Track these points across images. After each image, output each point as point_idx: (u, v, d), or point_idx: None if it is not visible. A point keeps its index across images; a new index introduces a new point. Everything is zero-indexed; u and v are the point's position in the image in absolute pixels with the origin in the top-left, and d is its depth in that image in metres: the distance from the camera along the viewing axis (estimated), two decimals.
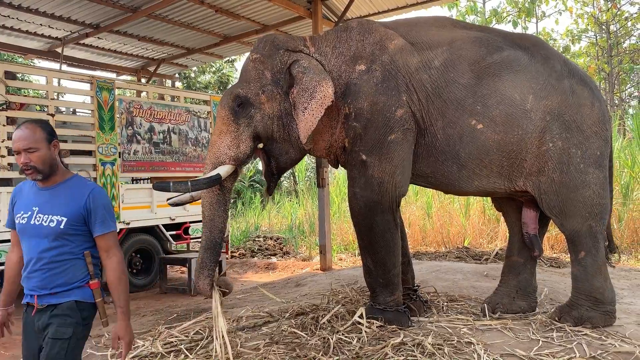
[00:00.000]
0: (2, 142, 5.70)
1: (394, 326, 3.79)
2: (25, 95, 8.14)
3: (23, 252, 2.43)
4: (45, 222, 2.34)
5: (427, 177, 3.98)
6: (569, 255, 4.15)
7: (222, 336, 3.34)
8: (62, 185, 2.42)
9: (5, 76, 5.86)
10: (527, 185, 3.89)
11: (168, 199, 4.13)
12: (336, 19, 8.33)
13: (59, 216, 2.34)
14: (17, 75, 7.23)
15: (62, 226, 2.33)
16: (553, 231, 7.68)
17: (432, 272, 6.17)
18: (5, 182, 5.91)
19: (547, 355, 3.28)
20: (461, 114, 3.77)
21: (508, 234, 4.58)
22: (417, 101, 3.81)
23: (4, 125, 5.73)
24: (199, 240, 7.76)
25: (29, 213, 2.38)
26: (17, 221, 2.42)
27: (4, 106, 5.78)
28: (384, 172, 3.76)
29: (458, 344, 3.49)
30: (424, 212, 9.55)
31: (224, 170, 3.74)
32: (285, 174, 20.32)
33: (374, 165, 3.77)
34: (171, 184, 3.79)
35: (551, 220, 4.29)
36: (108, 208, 2.44)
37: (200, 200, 3.94)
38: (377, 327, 3.76)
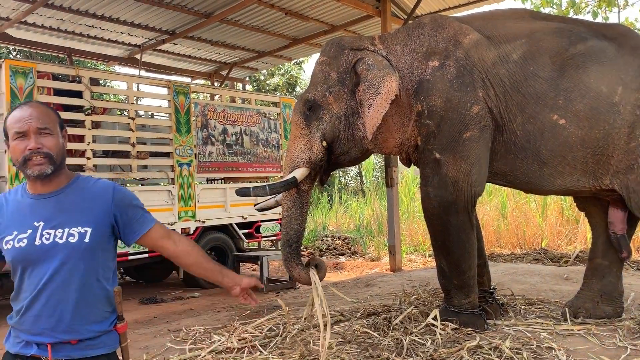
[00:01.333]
0: (88, 144, 6.04)
1: (469, 329, 3.69)
2: (108, 100, 8.58)
3: (21, 289, 1.73)
4: (62, 238, 1.70)
5: (506, 175, 3.85)
6: None
7: (325, 319, 3.34)
8: (70, 187, 1.79)
9: (90, 83, 6.20)
10: (615, 183, 3.67)
11: (255, 205, 4.36)
12: (405, 17, 8.23)
13: (80, 227, 1.71)
14: (101, 81, 7.63)
15: (87, 239, 1.70)
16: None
17: (508, 274, 5.97)
18: None
19: None
20: (542, 109, 3.61)
21: (591, 236, 4.36)
22: (494, 97, 3.68)
23: (89, 129, 6.07)
24: (270, 238, 7.97)
25: (29, 232, 1.70)
26: (6, 247, 1.72)
27: (89, 111, 6.12)
28: (459, 171, 3.66)
29: (537, 348, 3.35)
30: (498, 212, 9.27)
31: (299, 173, 3.86)
32: (351, 174, 20.22)
33: (448, 164, 3.69)
34: (251, 189, 4.04)
35: None
36: (138, 200, 1.89)
37: None
38: (451, 329, 3.67)
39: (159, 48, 9.73)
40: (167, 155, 6.82)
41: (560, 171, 3.68)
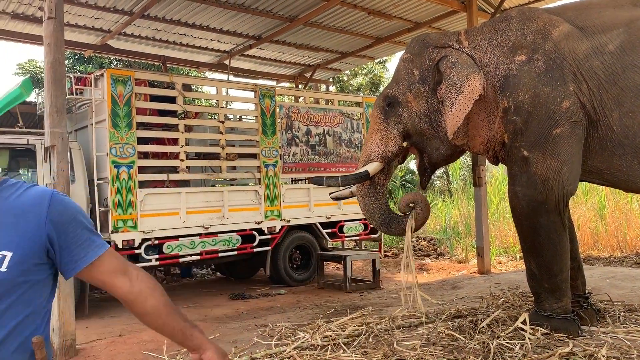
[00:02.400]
0: (181, 147, 6.37)
1: (561, 334, 3.51)
2: (199, 105, 9.00)
3: None
4: None
5: (602, 173, 3.62)
6: None
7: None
8: None
9: (183, 88, 6.55)
10: None
11: (330, 193, 4.53)
12: (493, 10, 7.97)
13: None
14: (192, 87, 8.02)
15: (3, 267, 1.19)
16: None
17: (605, 278, 5.61)
18: (184, 183, 6.61)
19: None
20: None
21: None
22: (587, 91, 3.48)
23: (182, 133, 6.40)
24: (353, 238, 8.00)
25: None
26: None
27: (182, 115, 6.46)
28: (549, 169, 3.50)
29: (637, 358, 3.12)
30: (596, 213, 8.72)
31: (372, 167, 3.99)
32: (437, 173, 19.81)
33: (537, 162, 3.53)
34: (324, 178, 4.34)
35: None
36: (86, 216, 1.36)
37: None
38: (542, 334, 3.50)
39: (246, 53, 10.06)
40: (254, 156, 7.06)
41: None
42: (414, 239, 11.14)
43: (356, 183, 4.10)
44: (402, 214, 4.00)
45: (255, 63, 10.90)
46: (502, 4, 7.66)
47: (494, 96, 3.71)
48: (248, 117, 7.90)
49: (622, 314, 4.10)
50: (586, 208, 8.99)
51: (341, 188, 4.32)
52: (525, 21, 3.76)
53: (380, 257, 8.23)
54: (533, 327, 3.58)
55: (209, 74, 11.25)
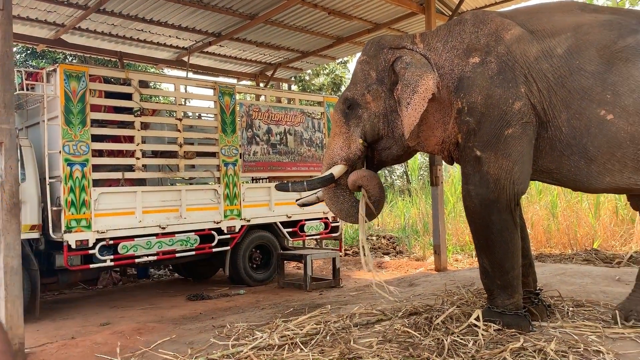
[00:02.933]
0: (137, 145, 6.25)
1: (513, 330, 3.61)
2: (157, 102, 8.84)
3: None
4: None
5: (552, 172, 3.74)
6: None
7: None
8: None
9: (140, 85, 6.42)
10: None
11: (297, 200, 4.56)
12: (450, 13, 8.11)
13: None
14: (150, 83, 7.88)
15: None
16: None
17: (556, 275, 5.79)
18: (140, 182, 6.48)
19: None
20: (588, 104, 3.49)
21: None
22: (537, 92, 3.59)
23: (138, 130, 6.28)
24: (314, 237, 8.01)
25: None
26: None
27: (139, 112, 6.34)
28: (501, 169, 3.59)
29: (584, 352, 3.24)
30: (549, 211, 9.00)
31: (336, 170, 4.05)
32: (397, 173, 20.07)
33: (489, 162, 3.62)
34: (290, 184, 4.29)
35: None
36: None
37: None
38: (494, 330, 3.60)
39: (205, 50, 9.95)
40: (213, 155, 6.98)
41: (610, 168, 3.54)
42: (374, 237, 11.25)
43: (322, 187, 4.16)
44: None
45: (215, 60, 10.78)
46: (459, 7, 7.82)
47: (449, 97, 3.79)
48: (207, 115, 7.81)
49: (570, 309, 4.25)
50: (539, 207, 9.27)
51: (308, 195, 4.43)
52: (479, 24, 3.85)
53: (340, 256, 8.28)
54: (486, 323, 3.67)
55: (168, 71, 11.08)
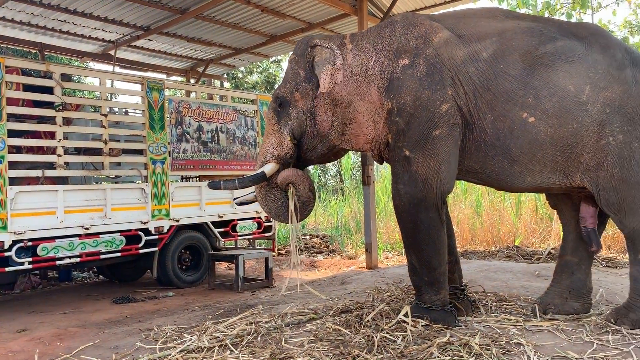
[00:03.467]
0: (59, 141, 5.93)
1: (440, 325, 3.71)
2: (81, 97, 8.45)
3: None
4: None
5: (477, 173, 3.88)
6: (626, 255, 3.95)
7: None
8: None
9: (62, 78, 6.09)
10: (585, 181, 3.72)
11: (235, 199, 4.62)
12: (382, 15, 8.25)
13: None
14: (73, 77, 7.51)
15: None
16: (610, 230, 7.37)
17: (480, 271, 6.02)
18: (62, 180, 6.16)
19: (602, 358, 3.13)
20: (512, 107, 3.65)
21: (562, 233, 4.40)
22: (463, 95, 3.71)
23: (60, 126, 5.96)
24: (247, 237, 7.92)
25: None
26: None
27: (61, 107, 6.02)
28: (428, 168, 3.69)
29: (507, 344, 3.38)
30: (473, 210, 9.35)
31: (268, 168, 4.08)
32: (331, 173, 20.22)
33: (417, 161, 3.71)
34: (222, 182, 4.29)
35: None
36: None
37: None
38: (422, 326, 3.69)
39: (133, 44, 9.60)
40: (140, 152, 6.75)
41: (531, 169, 3.72)
42: (307, 237, 11.27)
43: (253, 184, 4.18)
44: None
45: (143, 55, 10.43)
46: (390, 10, 7.97)
47: (379, 98, 3.85)
48: (135, 111, 7.54)
49: (494, 304, 4.43)
50: (465, 205, 9.61)
51: (247, 193, 4.43)
52: (408, 27, 3.94)
53: (273, 256, 8.22)
54: (414, 319, 3.75)
55: (93, 65, 10.60)
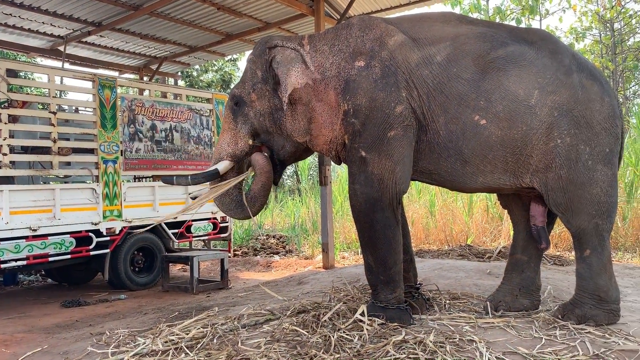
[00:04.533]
0: (4, 140, 5.70)
1: (395, 324, 3.75)
2: (28, 94, 8.14)
3: None
4: None
5: (431, 173, 3.95)
6: (573, 253, 4.11)
7: None
8: None
9: (7, 74, 5.86)
10: (534, 181, 3.84)
11: (190, 194, 4.62)
12: (339, 17, 8.30)
13: None
14: (20, 73, 7.23)
15: None
16: (557, 229, 7.64)
17: (434, 270, 6.14)
18: (8, 180, 5.92)
19: (550, 353, 3.24)
20: (464, 110, 3.73)
21: (512, 232, 4.54)
22: (417, 97, 3.77)
23: (5, 124, 5.73)
24: (202, 238, 7.81)
25: None
26: None
27: (6, 104, 5.78)
28: (384, 169, 3.74)
29: (460, 341, 3.45)
30: (427, 210, 9.53)
31: (222, 165, 4.10)
32: (288, 172, 20.22)
33: (373, 162, 3.75)
34: (174, 178, 4.39)
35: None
36: None
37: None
38: (378, 324, 3.72)
39: (84, 40, 9.33)
40: (91, 151, 6.56)
41: (482, 170, 3.81)
42: (263, 237, 11.22)
43: (206, 181, 4.20)
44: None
45: (94, 51, 10.14)
46: (347, 12, 8.02)
47: (336, 99, 3.88)
48: (85, 108, 7.32)
49: (447, 302, 4.51)
50: (419, 205, 9.78)
51: (201, 188, 4.43)
52: (364, 29, 3.97)
53: (229, 257, 8.15)
54: (370, 318, 3.78)
55: (41, 60, 10.24)
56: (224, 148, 4.14)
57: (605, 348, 3.29)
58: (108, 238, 6.51)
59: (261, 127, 4.11)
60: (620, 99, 17.76)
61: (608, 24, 17.65)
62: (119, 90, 6.82)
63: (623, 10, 17.08)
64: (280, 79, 3.94)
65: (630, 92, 19.82)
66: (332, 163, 5.00)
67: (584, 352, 3.23)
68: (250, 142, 4.12)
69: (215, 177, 4.12)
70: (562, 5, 19.25)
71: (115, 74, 10.85)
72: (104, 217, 6.45)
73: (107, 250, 6.53)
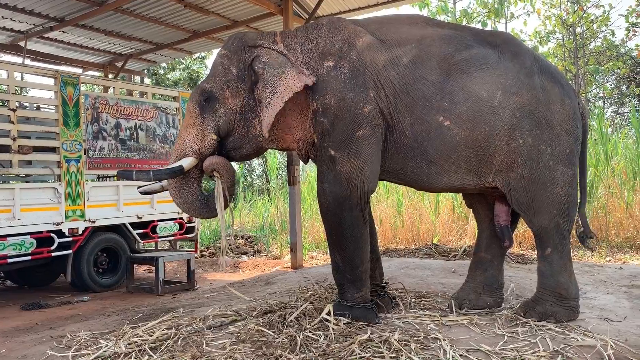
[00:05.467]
0: None
1: (361, 323, 3.78)
2: None
3: None
4: None
5: (397, 173, 3.99)
6: (535, 251, 4.20)
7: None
8: None
9: None
10: (497, 181, 3.91)
11: (139, 187, 4.38)
12: (307, 16, 8.30)
13: None
14: None
15: None
16: (520, 228, 7.80)
17: (401, 268, 6.19)
18: None
19: (512, 350, 3.30)
20: (429, 111, 3.78)
21: (477, 231, 4.61)
22: (384, 98, 3.80)
23: None
24: (167, 238, 7.70)
25: None
26: None
27: None
28: (353, 168, 3.75)
29: (424, 339, 3.49)
30: (395, 210, 9.60)
31: (186, 162, 3.96)
32: (257, 172, 20.03)
33: (342, 161, 3.76)
34: (134, 172, 4.12)
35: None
36: None
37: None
38: (344, 324, 3.73)
39: (46, 36, 9.10)
40: (53, 150, 6.39)
41: (446, 169, 3.87)
42: (230, 238, 11.12)
43: (169, 177, 4.03)
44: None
45: (57, 47, 9.90)
46: (315, 12, 8.03)
47: (306, 99, 3.88)
48: (47, 106, 7.13)
49: (413, 300, 4.57)
50: (386, 205, 9.86)
51: (151, 183, 4.22)
52: (333, 30, 3.99)
53: (196, 257, 8.05)
54: (337, 317, 3.80)
55: (0, 56, 9.93)
56: (189, 144, 3.98)
57: (564, 344, 3.37)
58: (71, 239, 6.35)
59: (227, 125, 4.00)
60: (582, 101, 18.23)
61: (570, 28, 18.11)
62: (82, 87, 6.67)
63: (585, 15, 17.57)
64: (267, 82, 3.82)
65: (591, 94, 20.39)
66: (301, 163, 4.98)
67: (545, 348, 3.30)
68: (215, 139, 4.00)
69: (179, 173, 3.96)
70: (526, 9, 19.63)
71: (79, 71, 10.62)
72: (67, 217, 6.30)
73: (70, 251, 6.38)
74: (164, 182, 4.13)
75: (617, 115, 19.07)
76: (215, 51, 12.98)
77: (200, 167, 4.04)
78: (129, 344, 3.69)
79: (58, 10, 8.11)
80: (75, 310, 5.75)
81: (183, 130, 4.07)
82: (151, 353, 3.50)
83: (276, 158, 14.04)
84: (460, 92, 3.78)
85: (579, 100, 4.08)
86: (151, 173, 4.02)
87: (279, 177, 15.74)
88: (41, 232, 6.07)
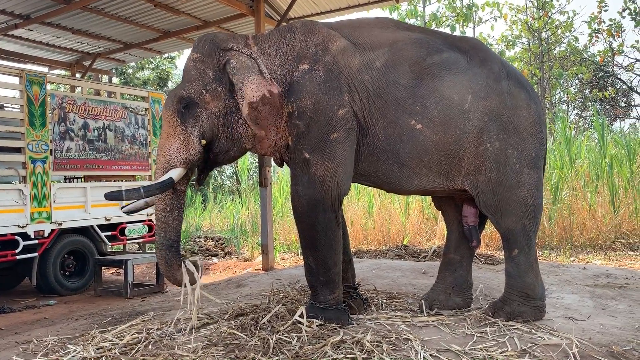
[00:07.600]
0: None
1: (334, 324, 3.79)
2: None
3: None
4: None
5: (370, 176, 4.03)
6: (503, 252, 4.29)
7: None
8: None
9: None
10: (465, 184, 3.98)
11: (122, 207, 4.17)
12: (279, 18, 8.30)
13: None
14: None
15: None
16: (488, 229, 7.95)
17: (372, 270, 6.24)
18: None
19: (481, 349, 3.37)
20: (401, 114, 3.83)
21: (446, 232, 4.68)
22: (358, 101, 3.84)
23: None
24: (136, 240, 7.59)
25: None
26: None
27: None
28: (327, 171, 3.77)
29: (396, 340, 3.53)
30: (366, 211, 9.68)
31: (175, 173, 3.78)
32: (227, 173, 19.96)
33: (316, 164, 3.78)
34: (123, 192, 3.82)
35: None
36: None
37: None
38: (317, 325, 3.74)
39: (10, 33, 8.86)
40: (18, 150, 6.23)
41: (418, 172, 3.92)
42: (201, 239, 11.03)
43: (161, 192, 3.79)
44: (181, 261, 3.84)
45: (22, 45, 9.66)
46: (287, 14, 8.03)
47: (280, 101, 3.88)
48: (12, 105, 6.95)
49: (384, 301, 4.61)
50: (358, 207, 9.93)
51: (134, 201, 4.00)
52: (308, 33, 4.00)
53: None
54: (309, 319, 3.80)
55: None
56: (174, 154, 3.80)
57: (532, 343, 3.46)
58: (36, 241, 6.21)
59: (212, 130, 3.89)
60: (547, 105, 18.72)
61: (536, 33, 18.55)
62: (48, 87, 6.52)
63: (550, 20, 18.02)
64: (237, 87, 3.80)
65: (555, 98, 20.92)
66: (273, 164, 4.98)
67: (513, 348, 3.38)
68: (202, 145, 3.86)
69: (170, 186, 3.75)
70: (494, 14, 20.03)
71: (45, 69, 10.39)
72: (32, 220, 6.15)
73: (35, 254, 6.23)
74: (149, 199, 3.91)
75: (581, 119, 19.61)
76: (186, 51, 12.87)
77: (187, 177, 3.91)
78: (98, 349, 3.63)
79: (23, 7, 7.92)
80: (41, 315, 5.63)
81: (164, 141, 3.88)
82: (121, 358, 3.45)
83: (247, 159, 13.99)
84: (432, 96, 3.84)
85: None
86: (142, 190, 3.75)
87: (249, 178, 15.68)
88: (5, 235, 5.92)
